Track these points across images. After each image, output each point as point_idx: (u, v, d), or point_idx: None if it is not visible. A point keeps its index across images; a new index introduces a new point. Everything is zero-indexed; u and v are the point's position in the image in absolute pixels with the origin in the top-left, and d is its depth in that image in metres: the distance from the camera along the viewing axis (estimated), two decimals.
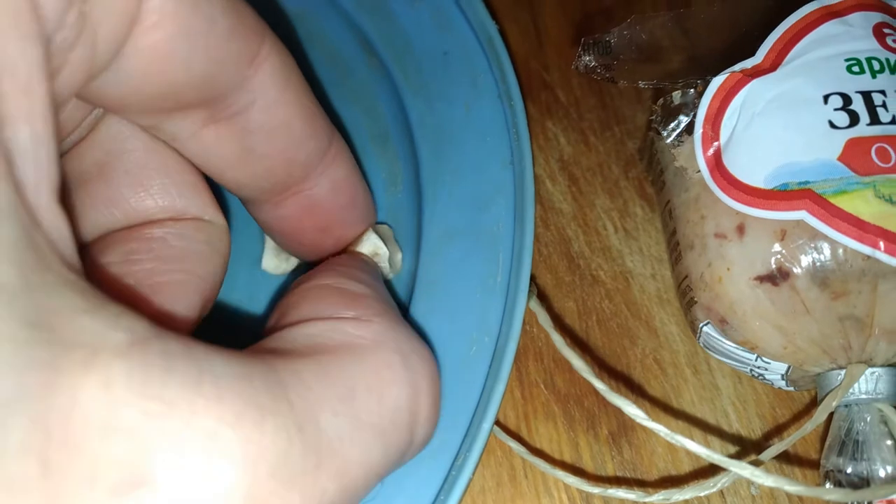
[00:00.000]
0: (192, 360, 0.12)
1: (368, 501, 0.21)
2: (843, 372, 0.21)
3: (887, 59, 0.21)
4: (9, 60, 0.11)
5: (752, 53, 0.22)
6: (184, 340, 0.12)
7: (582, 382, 0.25)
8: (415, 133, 0.27)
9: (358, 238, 0.24)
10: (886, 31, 0.21)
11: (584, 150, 0.29)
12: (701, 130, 0.22)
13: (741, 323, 0.22)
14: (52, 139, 0.12)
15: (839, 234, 0.20)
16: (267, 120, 0.17)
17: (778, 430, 0.25)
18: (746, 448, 0.24)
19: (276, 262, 0.25)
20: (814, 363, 0.22)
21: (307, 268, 0.25)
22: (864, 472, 0.21)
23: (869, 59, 0.21)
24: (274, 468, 0.12)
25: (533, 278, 0.25)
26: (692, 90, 0.23)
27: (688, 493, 0.21)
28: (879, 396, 0.21)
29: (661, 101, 0.24)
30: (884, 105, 0.20)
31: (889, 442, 0.21)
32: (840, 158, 0.20)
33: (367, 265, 0.22)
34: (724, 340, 0.23)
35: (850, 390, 0.21)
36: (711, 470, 0.24)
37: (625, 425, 0.25)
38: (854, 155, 0.20)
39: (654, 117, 0.24)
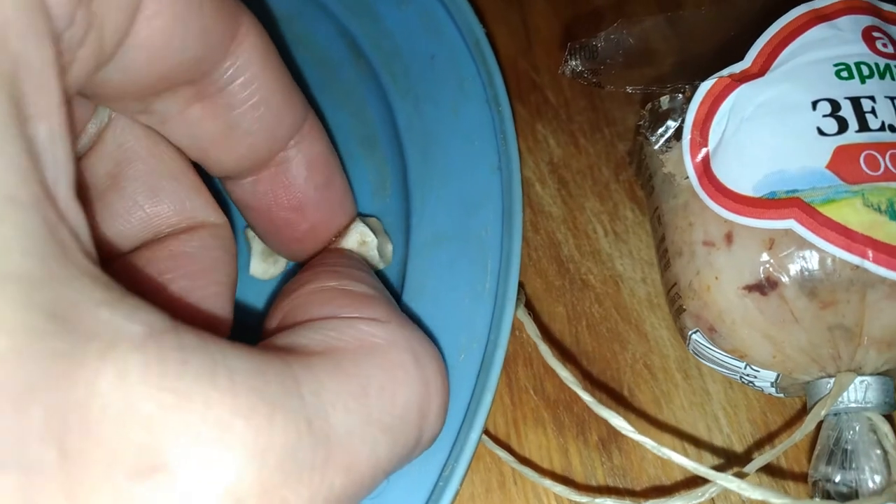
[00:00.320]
0: (208, 354, 0.12)
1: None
2: (832, 380, 0.21)
3: (876, 64, 0.21)
4: (26, 60, 0.11)
5: (740, 58, 0.22)
6: (200, 334, 0.12)
7: (571, 388, 0.25)
8: (403, 137, 0.27)
9: (345, 229, 0.23)
10: (876, 34, 0.21)
11: (574, 152, 0.29)
12: (689, 136, 0.22)
13: (730, 332, 0.21)
14: (67, 135, 0.12)
15: (827, 244, 0.19)
16: (249, 94, 0.18)
17: (769, 436, 0.24)
18: (737, 455, 0.24)
19: (263, 267, 0.25)
20: (803, 372, 0.21)
21: (295, 273, 0.25)
22: (853, 482, 0.20)
23: (858, 64, 0.21)
24: (283, 460, 0.12)
25: (521, 285, 0.25)
26: (680, 95, 0.23)
27: (677, 502, 0.21)
28: (868, 405, 0.21)
29: (648, 105, 0.24)
30: (873, 111, 0.20)
31: (878, 451, 0.21)
32: (828, 166, 0.20)
33: (361, 265, 0.22)
34: (713, 348, 0.22)
35: (840, 399, 0.21)
36: (702, 477, 0.24)
37: (614, 431, 0.24)
38: (842, 163, 0.20)
39: (642, 122, 0.24)
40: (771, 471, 0.24)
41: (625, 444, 0.24)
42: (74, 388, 0.10)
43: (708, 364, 0.24)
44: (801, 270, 0.20)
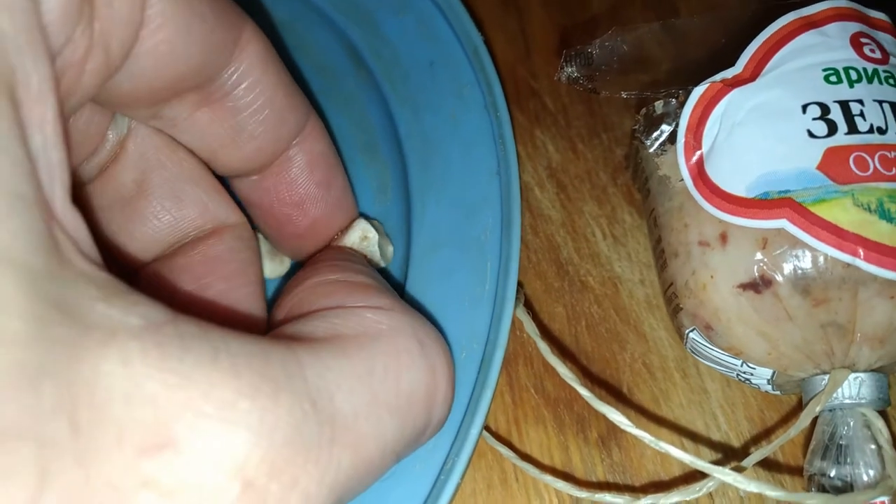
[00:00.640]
0: (208, 341, 0.13)
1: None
2: (826, 377, 0.22)
3: (864, 69, 0.21)
4: (25, 74, 0.12)
5: (732, 63, 0.23)
6: (200, 324, 0.13)
7: (571, 387, 0.25)
8: (403, 142, 0.27)
9: (346, 228, 0.24)
10: (864, 40, 0.22)
11: (573, 157, 0.30)
12: (683, 140, 0.23)
13: (726, 329, 0.22)
14: (62, 144, 0.13)
15: (819, 243, 0.20)
16: (253, 98, 0.19)
17: (766, 433, 0.25)
18: (735, 451, 0.25)
19: (271, 266, 0.26)
20: (798, 369, 0.22)
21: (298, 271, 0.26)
22: (848, 477, 0.21)
23: (846, 69, 0.21)
24: (290, 439, 0.13)
25: (520, 285, 0.25)
26: (674, 100, 0.23)
27: (675, 496, 0.21)
28: (862, 401, 0.21)
29: (643, 110, 0.24)
30: (861, 114, 0.21)
31: (872, 446, 0.21)
32: (819, 167, 0.20)
33: (361, 260, 0.23)
34: (710, 346, 0.23)
35: (834, 395, 0.21)
36: (700, 473, 0.24)
37: (614, 429, 0.25)
38: (833, 164, 0.20)
39: (637, 127, 0.24)
40: (767, 465, 0.24)
41: (624, 441, 0.25)
42: (81, 370, 0.11)
43: (705, 362, 0.24)
44: (794, 269, 0.20)
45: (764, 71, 0.22)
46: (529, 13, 0.33)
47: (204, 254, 0.20)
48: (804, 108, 0.21)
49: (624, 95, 0.23)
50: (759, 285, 0.21)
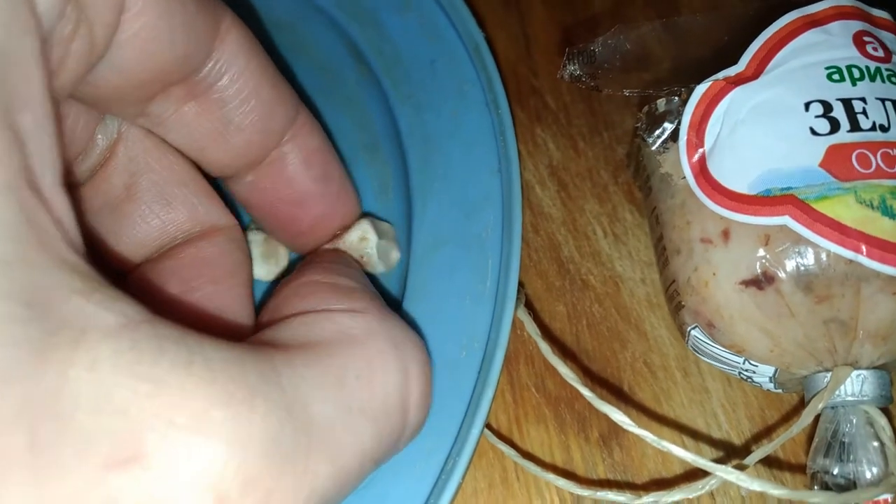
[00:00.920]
0: (184, 345, 0.12)
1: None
2: (829, 374, 0.22)
3: (867, 67, 0.21)
4: (13, 52, 0.12)
5: (735, 62, 0.23)
6: (177, 327, 0.12)
7: (572, 386, 0.25)
8: (404, 141, 0.27)
9: (350, 226, 0.24)
10: (866, 39, 0.22)
11: (574, 155, 0.30)
12: (685, 137, 0.23)
13: (728, 327, 0.22)
14: (53, 126, 0.12)
15: (822, 239, 0.20)
16: (238, 89, 0.19)
17: (767, 432, 0.25)
18: (736, 450, 0.25)
19: (266, 269, 0.26)
20: (800, 366, 0.22)
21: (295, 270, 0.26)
22: (851, 474, 0.21)
23: (849, 67, 0.21)
24: (265, 450, 0.12)
25: (521, 285, 0.25)
26: (676, 98, 0.23)
27: (677, 494, 0.21)
28: (865, 398, 0.21)
29: (645, 108, 0.24)
30: (864, 112, 0.21)
31: (875, 443, 0.21)
32: (821, 164, 0.20)
33: (349, 261, 0.23)
34: (711, 344, 0.23)
35: (836, 392, 0.21)
36: (701, 472, 0.24)
37: (615, 428, 0.25)
38: (835, 161, 0.20)
39: (639, 125, 0.24)
40: (769, 464, 0.24)
41: (625, 441, 0.25)
42: (46, 375, 0.10)
43: (707, 360, 0.24)
44: (796, 265, 0.20)
45: (767, 69, 0.22)
46: (530, 11, 0.33)
47: (193, 256, 0.20)
48: (807, 105, 0.21)
49: (626, 93, 0.23)
50: (761, 282, 0.21)
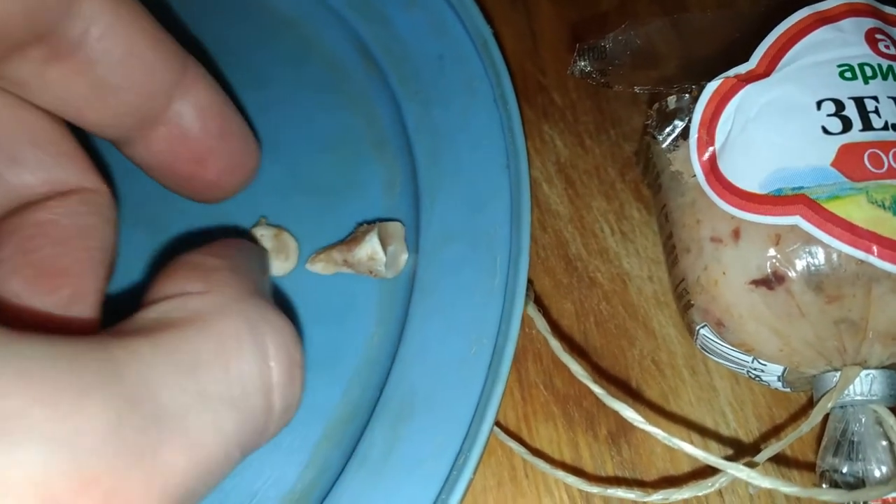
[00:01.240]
0: None
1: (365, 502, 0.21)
2: (838, 374, 0.22)
3: (879, 65, 0.21)
4: None
5: (746, 59, 0.22)
6: None
7: (581, 383, 0.25)
8: (412, 137, 0.27)
9: (360, 239, 0.24)
10: (878, 36, 0.22)
11: (581, 152, 0.30)
12: (696, 135, 0.23)
13: (737, 326, 0.22)
14: None
15: (833, 239, 0.20)
16: (108, 48, 0.17)
17: (775, 431, 0.25)
18: (744, 448, 0.25)
19: (275, 264, 0.26)
20: (809, 365, 0.22)
21: (305, 272, 0.25)
22: (860, 473, 0.21)
23: (861, 65, 0.21)
24: (102, 447, 0.11)
25: (530, 282, 0.25)
26: (687, 95, 0.23)
27: (686, 492, 0.21)
28: (874, 398, 0.21)
29: (656, 105, 0.24)
30: (876, 111, 0.21)
31: (884, 442, 0.21)
32: (833, 164, 0.20)
33: (245, 245, 0.21)
34: (720, 343, 0.23)
35: (846, 392, 0.21)
36: (710, 470, 0.24)
37: (623, 426, 0.25)
38: (847, 161, 0.20)
39: (649, 122, 0.24)
40: (777, 462, 0.24)
41: (634, 438, 0.25)
42: None
43: (715, 359, 0.24)
44: (807, 265, 0.20)
45: (778, 66, 0.22)
46: (538, 8, 0.32)
47: (38, 217, 0.18)
48: (819, 104, 0.21)
49: (636, 90, 0.23)
50: (771, 281, 0.21)
